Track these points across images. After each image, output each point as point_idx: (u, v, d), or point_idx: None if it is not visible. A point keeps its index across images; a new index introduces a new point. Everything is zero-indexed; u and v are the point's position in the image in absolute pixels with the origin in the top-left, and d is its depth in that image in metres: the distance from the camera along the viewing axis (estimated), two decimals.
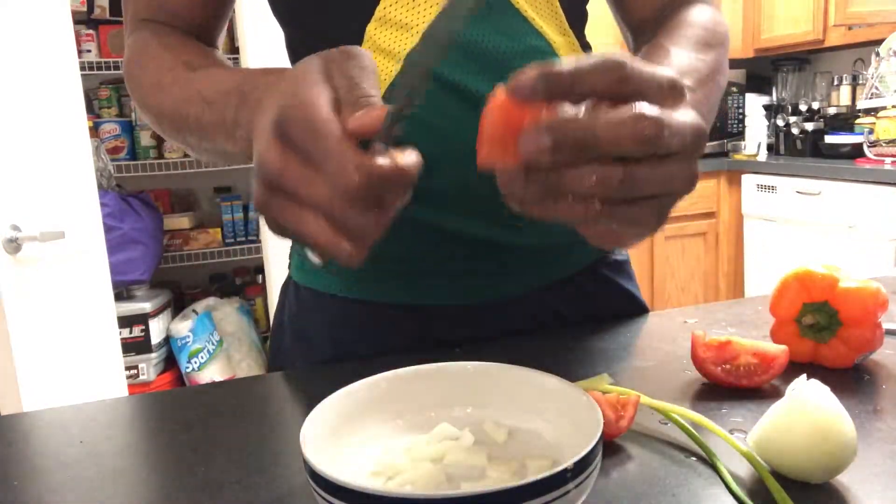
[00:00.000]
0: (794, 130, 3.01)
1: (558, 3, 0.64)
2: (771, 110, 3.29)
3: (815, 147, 2.93)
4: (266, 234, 2.42)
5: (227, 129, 0.49)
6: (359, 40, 0.60)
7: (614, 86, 0.33)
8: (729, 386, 0.54)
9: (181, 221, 2.88)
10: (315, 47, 0.64)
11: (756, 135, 3.28)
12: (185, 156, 2.81)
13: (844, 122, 2.91)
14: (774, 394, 0.53)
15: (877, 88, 2.68)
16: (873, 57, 2.70)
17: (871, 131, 2.64)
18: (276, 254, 2.33)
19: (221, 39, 0.72)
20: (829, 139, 2.85)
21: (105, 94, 2.80)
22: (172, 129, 0.59)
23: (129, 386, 2.43)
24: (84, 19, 2.77)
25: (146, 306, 2.57)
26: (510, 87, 0.34)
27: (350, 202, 0.36)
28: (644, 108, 0.32)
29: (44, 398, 1.45)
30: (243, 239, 2.92)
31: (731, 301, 0.76)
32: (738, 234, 3.09)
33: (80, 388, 1.62)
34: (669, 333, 0.68)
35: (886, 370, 0.56)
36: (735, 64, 3.17)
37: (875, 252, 2.41)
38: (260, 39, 2.26)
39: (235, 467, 0.46)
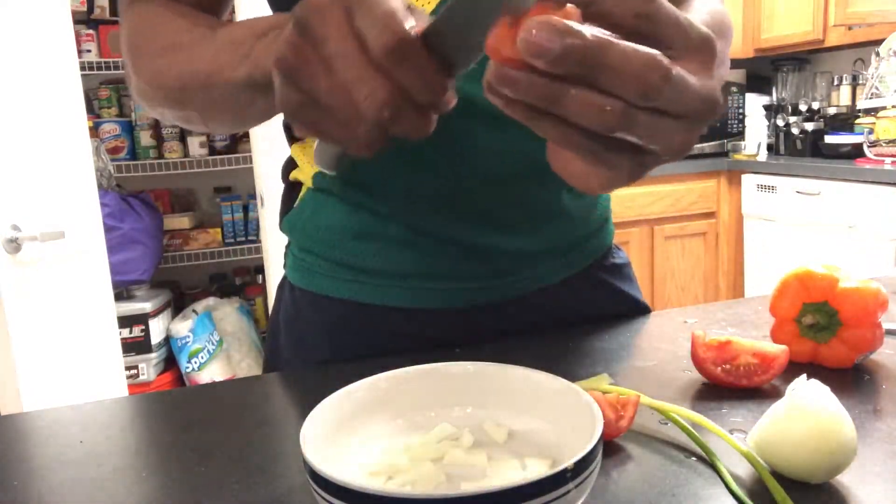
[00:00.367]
0: (794, 130, 3.01)
1: None
2: (771, 110, 3.29)
3: (815, 147, 2.93)
4: (266, 233, 2.41)
5: (245, 49, 0.47)
6: None
7: (638, 20, 0.31)
8: (729, 386, 0.54)
9: (181, 221, 2.88)
10: None
11: (756, 135, 3.28)
12: (186, 156, 2.81)
13: (844, 122, 2.91)
14: (774, 394, 0.53)
15: (877, 88, 2.68)
16: (873, 57, 2.70)
17: (871, 131, 2.64)
18: (276, 254, 2.33)
19: (225, 17, 0.70)
20: (829, 139, 2.85)
21: (105, 94, 2.81)
22: (177, 87, 0.56)
23: (129, 386, 2.43)
24: (84, 19, 2.77)
25: (146, 306, 2.57)
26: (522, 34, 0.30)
27: (377, 66, 0.34)
28: (658, 55, 0.30)
29: (44, 398, 1.45)
30: (243, 239, 2.92)
31: (731, 301, 0.76)
32: (738, 234, 3.09)
33: (80, 388, 1.62)
34: (669, 333, 0.68)
35: (886, 370, 0.56)
36: (735, 64, 3.17)
37: (875, 252, 2.41)
38: None
39: (235, 467, 0.46)
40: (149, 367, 2.60)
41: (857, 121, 2.81)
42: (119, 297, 2.49)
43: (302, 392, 0.61)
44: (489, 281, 0.66)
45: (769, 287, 0.60)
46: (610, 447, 0.46)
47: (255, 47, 0.46)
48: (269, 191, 2.19)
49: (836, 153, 2.79)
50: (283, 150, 0.72)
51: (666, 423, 0.49)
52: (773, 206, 2.85)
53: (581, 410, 0.39)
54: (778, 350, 0.54)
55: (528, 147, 0.60)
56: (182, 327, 2.64)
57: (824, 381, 0.42)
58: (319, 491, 0.33)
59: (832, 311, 0.56)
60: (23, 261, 1.42)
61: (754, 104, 3.32)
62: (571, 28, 0.30)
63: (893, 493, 0.39)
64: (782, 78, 3.35)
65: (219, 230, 2.90)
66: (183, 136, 2.82)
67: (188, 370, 2.64)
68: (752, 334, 0.65)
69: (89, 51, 2.72)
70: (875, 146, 2.59)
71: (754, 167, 2.96)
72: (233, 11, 2.48)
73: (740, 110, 3.26)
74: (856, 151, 2.70)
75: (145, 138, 2.78)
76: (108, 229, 2.19)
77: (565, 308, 0.71)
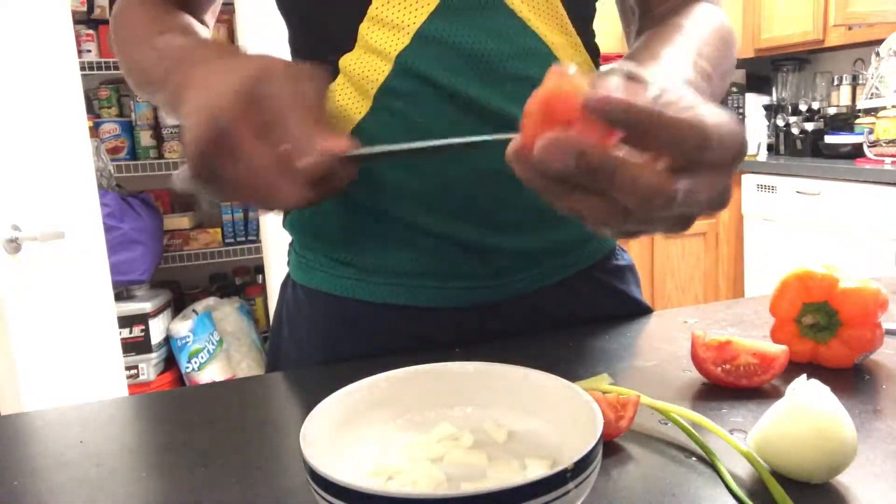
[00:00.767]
0: (794, 130, 3.01)
1: (559, 1, 0.62)
2: (771, 110, 3.29)
3: (815, 147, 2.93)
4: (266, 233, 2.42)
5: (163, 77, 0.53)
6: (352, 39, 0.60)
7: (681, 148, 0.33)
8: (729, 386, 0.54)
9: (181, 221, 2.88)
10: (312, 45, 0.64)
11: (756, 135, 3.28)
12: None
13: (844, 122, 2.91)
14: (774, 394, 0.53)
15: (877, 88, 2.68)
16: (873, 57, 2.70)
17: (871, 131, 2.64)
18: (276, 254, 2.33)
19: (212, 17, 0.74)
20: (829, 139, 2.85)
21: (105, 94, 2.80)
22: (137, 82, 0.62)
23: (129, 386, 2.43)
24: (84, 19, 2.77)
25: (146, 306, 2.57)
26: (588, 100, 0.32)
27: (285, 174, 0.40)
28: (665, 180, 0.32)
29: (44, 398, 1.45)
30: (243, 239, 2.92)
31: (731, 301, 0.76)
32: (738, 234, 3.09)
33: (80, 388, 1.62)
34: (669, 333, 0.68)
35: (886, 370, 0.56)
36: (735, 64, 3.17)
37: (875, 252, 2.41)
38: (260, 39, 2.26)
39: (235, 467, 0.46)
40: (149, 367, 2.60)
41: (857, 121, 2.81)
42: (119, 297, 2.49)
43: (302, 392, 0.61)
44: (489, 280, 0.66)
45: (769, 287, 0.60)
46: (610, 447, 0.46)
47: (168, 80, 0.52)
48: None
49: (836, 153, 2.79)
50: None
51: (666, 423, 0.49)
52: (773, 206, 2.85)
53: (581, 410, 0.39)
54: (778, 350, 0.54)
55: None
56: (182, 327, 2.64)
57: (824, 381, 0.42)
58: (319, 491, 0.33)
59: (832, 311, 0.56)
60: (23, 261, 1.42)
61: (754, 104, 3.32)
62: (583, 149, 0.32)
63: (893, 493, 0.39)
64: (782, 78, 3.35)
65: (219, 230, 2.90)
66: None
67: (188, 370, 2.64)
68: (752, 334, 0.65)
69: (89, 51, 2.72)
70: (875, 146, 2.59)
71: (754, 167, 2.96)
72: (233, 11, 2.48)
73: (740, 110, 3.26)
74: (856, 151, 2.70)
75: (145, 138, 2.78)
76: (108, 229, 2.19)
77: (566, 309, 0.71)
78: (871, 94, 2.70)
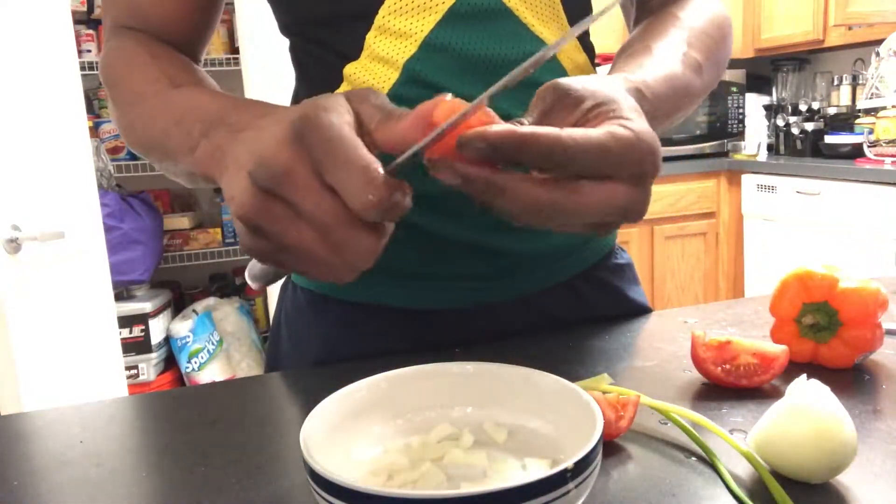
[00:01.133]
0: (794, 130, 3.01)
1: (560, 4, 0.63)
2: (771, 110, 3.29)
3: (815, 147, 2.93)
4: None
5: (190, 141, 0.47)
6: (359, 48, 0.60)
7: (546, 163, 0.36)
8: (729, 386, 0.54)
9: (181, 221, 2.88)
10: (317, 55, 0.64)
11: (756, 135, 3.28)
12: None
13: (844, 122, 2.91)
14: (774, 394, 0.53)
15: (877, 88, 2.68)
16: (873, 57, 2.70)
17: (871, 131, 2.64)
18: None
19: (204, 53, 0.71)
20: (829, 139, 2.85)
21: (105, 94, 2.80)
22: (139, 142, 0.57)
23: (129, 386, 2.43)
24: (84, 19, 2.77)
25: (146, 306, 2.57)
26: (460, 140, 0.36)
27: (356, 222, 0.35)
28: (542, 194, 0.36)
29: (44, 398, 1.45)
30: None
31: (731, 301, 0.76)
32: (738, 234, 3.09)
33: (80, 388, 1.62)
34: (669, 333, 0.68)
35: (886, 370, 0.56)
36: (735, 64, 3.17)
37: (875, 252, 2.41)
38: (259, 40, 2.26)
39: (235, 467, 0.46)
40: (149, 367, 2.60)
41: (857, 121, 2.81)
42: (119, 297, 2.49)
43: (302, 392, 0.61)
44: (490, 282, 0.66)
45: (769, 287, 0.60)
46: (610, 447, 0.46)
47: (199, 145, 0.45)
48: None
49: (836, 153, 2.79)
50: None
51: (666, 423, 0.49)
52: (773, 206, 2.85)
53: (581, 410, 0.39)
54: (778, 350, 0.54)
55: None
56: (182, 327, 2.64)
57: (824, 381, 0.42)
58: (319, 491, 0.33)
59: (832, 311, 0.56)
60: (23, 261, 1.42)
61: (754, 104, 3.32)
62: (466, 174, 0.36)
63: (893, 493, 0.39)
64: (782, 78, 3.35)
65: (219, 230, 2.90)
66: None
67: (188, 370, 2.64)
68: (752, 334, 0.65)
69: (89, 51, 2.72)
70: (875, 146, 2.59)
71: (754, 167, 2.96)
72: (232, 11, 2.48)
73: (740, 110, 3.26)
74: (856, 151, 2.70)
75: None
76: (108, 229, 2.20)
77: (567, 309, 0.71)
78: (871, 94, 2.70)
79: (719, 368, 0.54)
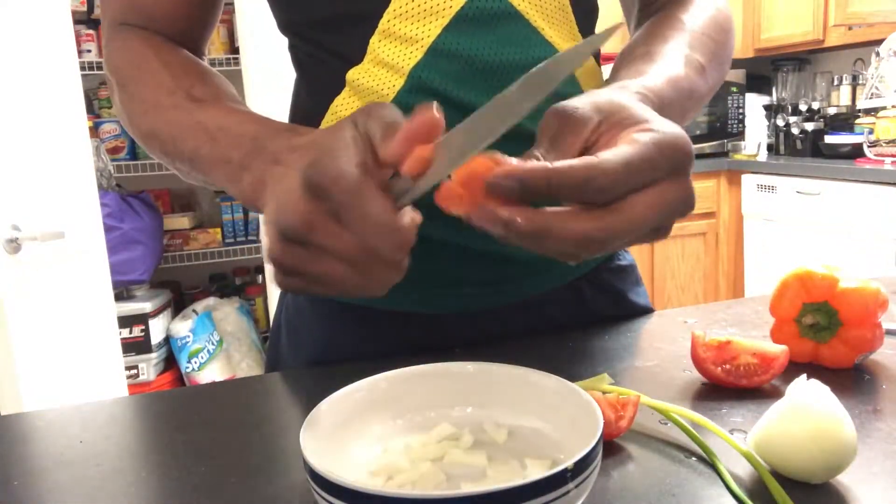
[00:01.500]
0: (794, 130, 3.01)
1: (570, 7, 0.61)
2: (771, 110, 3.29)
3: (815, 147, 2.93)
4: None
5: (230, 169, 0.49)
6: (362, 52, 0.59)
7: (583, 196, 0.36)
8: (729, 386, 0.54)
9: (181, 221, 2.88)
10: (318, 57, 0.63)
11: (756, 135, 3.28)
12: None
13: (844, 122, 2.91)
14: (774, 394, 0.53)
15: (877, 88, 2.68)
16: (873, 57, 2.70)
17: (871, 131, 2.64)
18: None
19: (206, 47, 0.70)
20: (829, 139, 2.85)
21: (105, 94, 2.80)
22: (162, 149, 0.58)
23: (129, 386, 2.43)
24: (84, 19, 2.77)
25: (146, 306, 2.57)
26: (489, 182, 0.36)
27: (378, 257, 0.37)
28: (586, 232, 0.36)
29: (44, 398, 1.45)
30: (243, 239, 2.92)
31: (731, 301, 0.76)
32: (738, 234, 3.09)
33: (80, 388, 1.62)
34: (669, 333, 0.68)
35: (886, 370, 0.56)
36: (735, 64, 3.16)
37: (875, 252, 2.41)
38: (259, 40, 2.26)
39: (235, 467, 0.46)
40: (149, 367, 2.60)
41: (857, 121, 2.81)
42: (119, 297, 2.49)
43: (302, 392, 0.61)
44: (492, 285, 0.65)
45: (769, 287, 0.60)
46: (610, 447, 0.46)
47: (243, 178, 0.47)
48: None
49: (836, 153, 2.79)
50: None
51: (666, 423, 0.49)
52: (773, 206, 2.85)
53: (581, 410, 0.39)
54: (778, 350, 0.54)
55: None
56: (182, 327, 2.64)
57: (824, 381, 0.42)
58: (319, 491, 0.33)
59: (832, 311, 0.56)
60: (23, 261, 1.42)
61: (754, 104, 3.32)
62: (507, 221, 0.36)
63: (893, 493, 0.39)
64: (782, 78, 3.35)
65: (219, 230, 2.90)
66: None
67: (188, 370, 2.64)
68: (752, 334, 0.65)
69: (89, 51, 2.72)
70: (875, 146, 2.59)
71: (754, 167, 2.96)
72: (232, 11, 2.48)
73: (740, 110, 3.26)
74: (856, 151, 2.70)
75: None
76: (108, 229, 2.19)
77: (569, 312, 0.70)
78: (871, 94, 2.70)
79: (719, 368, 0.54)
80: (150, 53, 0.61)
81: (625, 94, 0.44)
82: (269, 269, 0.41)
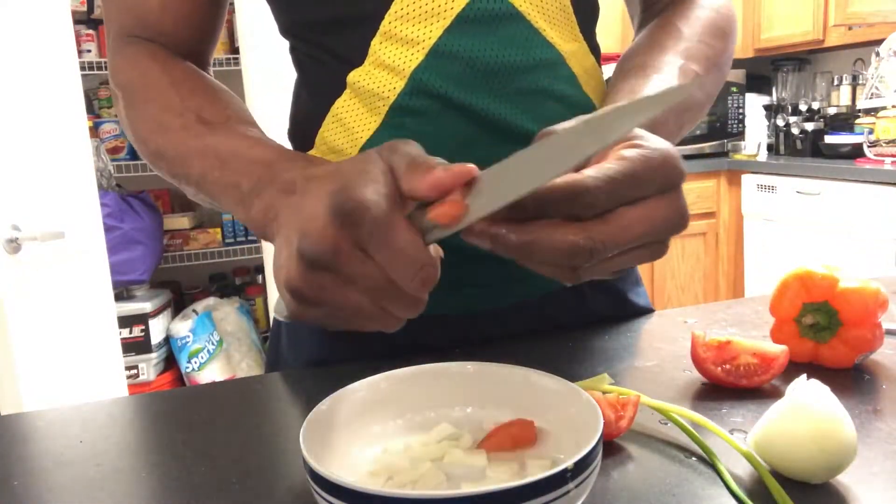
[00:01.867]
0: (794, 130, 3.01)
1: (571, 8, 0.61)
2: (771, 110, 3.29)
3: (815, 147, 2.93)
4: None
5: (240, 195, 0.49)
6: (363, 54, 0.59)
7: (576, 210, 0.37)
8: (729, 386, 0.54)
9: (181, 221, 2.88)
10: (319, 59, 0.63)
11: (756, 135, 3.28)
12: None
13: (844, 122, 2.91)
14: (774, 394, 0.53)
15: (877, 88, 2.68)
16: (873, 57, 2.70)
17: (871, 131, 2.64)
18: None
19: (211, 58, 0.70)
20: (829, 139, 2.85)
21: (105, 94, 2.80)
22: (169, 170, 0.58)
23: (129, 386, 2.43)
24: (84, 19, 2.77)
25: (146, 306, 2.57)
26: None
27: (400, 291, 0.38)
28: (575, 243, 0.37)
29: (44, 398, 1.45)
30: (243, 239, 2.92)
31: (731, 301, 0.76)
32: (738, 234, 3.09)
33: (80, 388, 1.62)
34: (669, 333, 0.68)
35: (886, 370, 0.56)
36: (735, 64, 3.16)
37: (875, 252, 2.41)
38: (259, 40, 2.26)
39: (235, 467, 0.46)
40: (149, 367, 2.60)
41: (857, 121, 2.81)
42: (119, 297, 2.49)
43: (302, 392, 0.61)
44: (493, 286, 0.65)
45: (769, 287, 0.60)
46: (610, 447, 0.46)
47: (253, 204, 0.47)
48: None
49: (836, 153, 2.79)
50: None
51: (666, 423, 0.49)
52: (773, 206, 2.85)
53: (581, 410, 0.39)
54: (778, 350, 0.54)
55: None
56: (182, 327, 2.64)
57: (824, 381, 0.42)
58: (319, 491, 0.33)
59: (832, 311, 0.56)
60: (23, 261, 1.42)
61: (754, 104, 3.32)
62: (496, 234, 0.38)
63: (893, 493, 0.39)
64: (782, 78, 3.35)
65: (219, 230, 2.90)
66: None
67: (188, 370, 2.64)
68: (752, 334, 0.65)
69: (89, 51, 2.72)
70: (875, 146, 2.59)
71: (754, 167, 2.96)
72: (232, 11, 2.48)
73: (740, 110, 3.26)
74: (856, 151, 2.70)
75: None
76: (108, 229, 2.20)
77: (570, 313, 0.70)
78: (871, 94, 2.70)
79: (719, 368, 0.54)
80: (157, 71, 0.61)
81: None
82: (269, 270, 0.41)
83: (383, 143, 0.41)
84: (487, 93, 0.58)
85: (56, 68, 1.60)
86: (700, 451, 0.45)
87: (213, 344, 2.68)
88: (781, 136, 3.12)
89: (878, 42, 2.68)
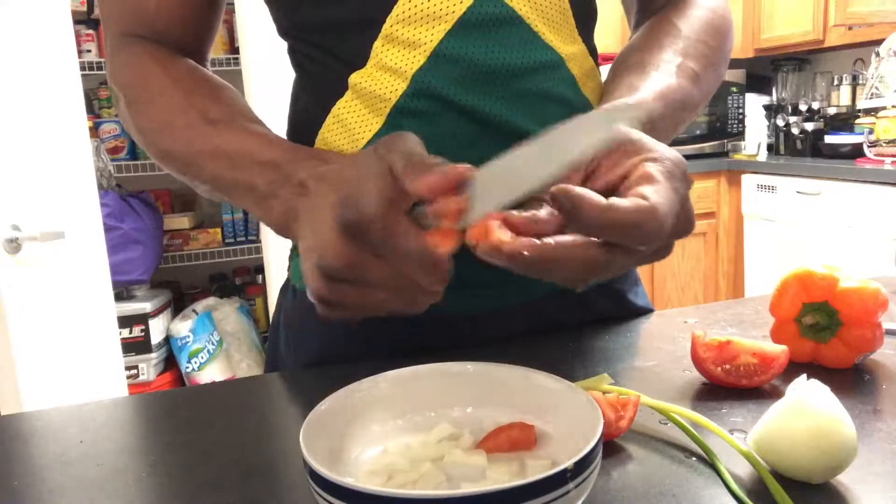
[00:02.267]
0: (794, 130, 3.01)
1: (570, 11, 0.62)
2: (771, 110, 3.29)
3: (815, 147, 2.93)
4: (266, 234, 2.41)
5: (256, 196, 0.51)
6: (365, 56, 0.59)
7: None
8: (729, 386, 0.54)
9: (181, 221, 2.88)
10: (320, 61, 0.63)
11: (756, 135, 3.28)
12: None
13: (844, 122, 2.91)
14: (774, 394, 0.53)
15: (877, 88, 2.68)
16: (873, 57, 2.70)
17: (871, 131, 2.64)
18: (276, 254, 2.33)
19: (209, 54, 0.71)
20: (829, 139, 2.85)
21: (105, 94, 2.80)
22: (180, 171, 0.59)
23: (129, 386, 2.43)
24: (84, 19, 2.77)
25: (146, 306, 2.57)
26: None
27: (419, 286, 0.41)
28: (592, 256, 0.38)
29: (44, 398, 1.45)
30: (243, 239, 2.92)
31: (731, 301, 0.76)
32: (738, 234, 3.09)
33: (80, 388, 1.62)
34: (669, 333, 0.68)
35: (886, 370, 0.56)
36: (735, 64, 3.17)
37: (875, 252, 2.41)
38: (259, 40, 2.26)
39: (235, 467, 0.46)
40: (149, 367, 2.60)
41: (857, 121, 2.81)
42: (119, 297, 2.49)
43: (302, 392, 0.61)
44: (494, 287, 0.65)
45: (769, 287, 0.60)
46: (610, 447, 0.46)
47: (273, 206, 0.50)
48: None
49: (836, 153, 2.79)
50: None
51: (666, 423, 0.49)
52: (773, 206, 2.85)
53: (581, 410, 0.39)
54: (778, 350, 0.54)
55: None
56: (182, 327, 2.64)
57: (824, 381, 0.42)
58: (319, 491, 0.33)
59: (832, 311, 0.56)
60: (23, 261, 1.42)
61: (754, 104, 3.32)
62: (514, 253, 0.38)
63: (893, 493, 0.39)
64: (782, 78, 3.35)
65: (219, 230, 2.90)
66: None
67: (188, 370, 2.64)
68: (752, 334, 0.65)
69: (89, 51, 2.72)
70: (875, 146, 2.59)
71: (754, 167, 2.96)
72: (232, 11, 2.48)
73: (740, 110, 3.26)
74: (856, 151, 2.70)
75: None
76: (108, 229, 2.19)
77: (570, 313, 0.70)
78: (871, 94, 2.70)
79: (719, 368, 0.54)
80: (158, 70, 0.61)
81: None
82: (269, 270, 0.43)
83: (382, 139, 0.42)
84: (488, 95, 0.58)
85: (56, 68, 1.60)
86: (700, 451, 0.45)
87: (213, 344, 2.68)
88: (781, 136, 3.12)
89: (878, 42, 2.68)
